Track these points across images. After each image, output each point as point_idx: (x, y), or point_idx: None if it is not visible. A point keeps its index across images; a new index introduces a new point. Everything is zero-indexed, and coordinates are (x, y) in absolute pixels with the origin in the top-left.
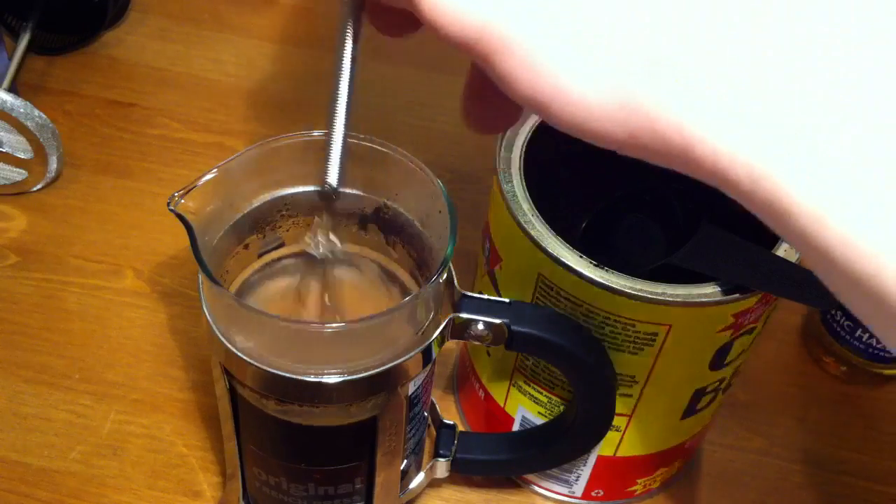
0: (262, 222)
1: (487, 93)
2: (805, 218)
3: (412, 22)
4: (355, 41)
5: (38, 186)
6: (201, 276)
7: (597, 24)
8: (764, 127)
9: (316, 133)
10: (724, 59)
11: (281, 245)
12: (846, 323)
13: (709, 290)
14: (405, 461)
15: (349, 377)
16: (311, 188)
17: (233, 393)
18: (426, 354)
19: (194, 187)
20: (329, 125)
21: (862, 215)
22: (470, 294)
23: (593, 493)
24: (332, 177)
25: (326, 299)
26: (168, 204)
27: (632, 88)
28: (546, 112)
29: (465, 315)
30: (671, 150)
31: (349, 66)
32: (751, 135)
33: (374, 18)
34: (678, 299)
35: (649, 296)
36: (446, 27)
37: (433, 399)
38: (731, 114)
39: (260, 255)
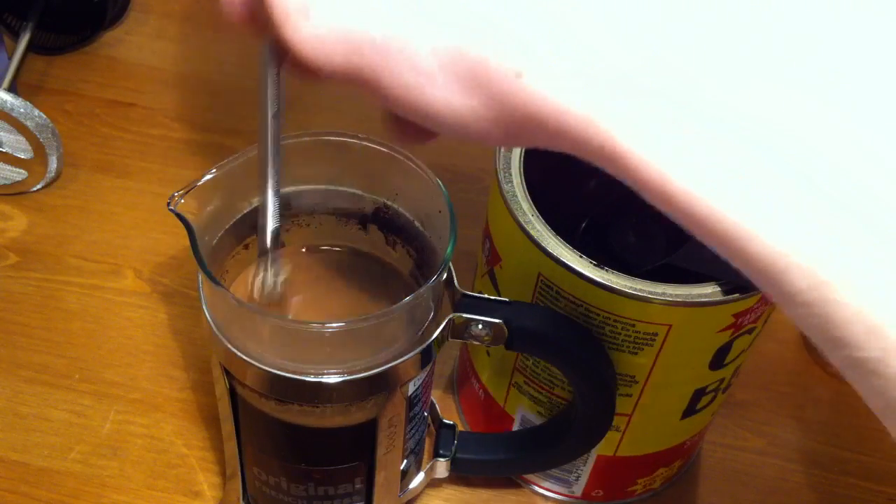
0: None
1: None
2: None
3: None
4: (277, 98)
5: (38, 186)
6: (201, 276)
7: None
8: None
9: (316, 133)
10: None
11: (281, 245)
12: None
13: (709, 290)
14: (405, 461)
15: (349, 377)
16: (310, 188)
17: (233, 393)
18: (426, 354)
19: (194, 187)
20: (261, 189)
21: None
22: (470, 294)
23: (593, 493)
24: (265, 243)
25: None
26: (168, 204)
27: (471, 62)
28: (426, 121)
29: (465, 315)
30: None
31: (273, 126)
32: (582, 87)
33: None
34: (678, 299)
35: (649, 296)
36: (317, 57)
37: (433, 399)
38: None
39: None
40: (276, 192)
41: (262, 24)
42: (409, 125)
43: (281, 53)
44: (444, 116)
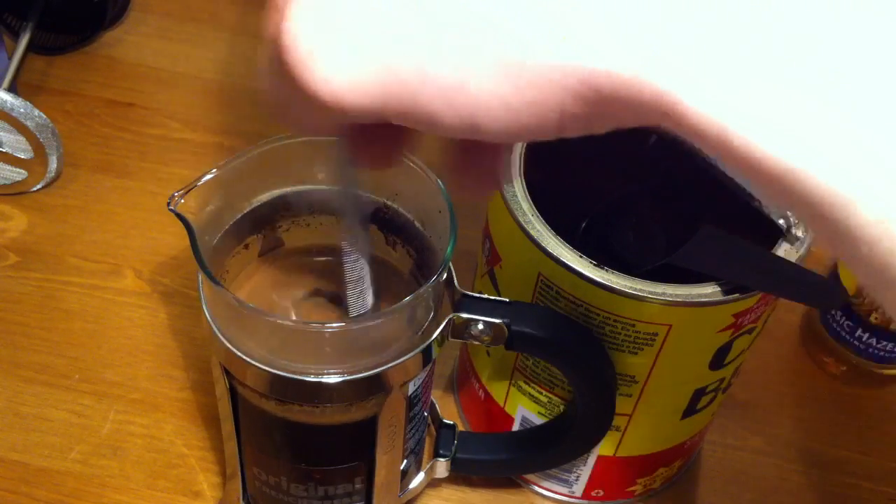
0: (262, 222)
1: (465, 156)
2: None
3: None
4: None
5: (38, 186)
6: (201, 276)
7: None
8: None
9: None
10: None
11: (281, 245)
12: (846, 323)
13: (709, 290)
14: (405, 461)
15: (349, 377)
16: (310, 188)
17: (233, 393)
18: (426, 354)
19: (194, 187)
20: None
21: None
22: (470, 294)
23: (593, 493)
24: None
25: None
26: (168, 204)
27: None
28: (479, 131)
29: (465, 315)
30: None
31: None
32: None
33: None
34: (678, 299)
35: (649, 296)
36: (349, 101)
37: (433, 399)
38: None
39: (260, 255)
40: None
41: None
42: (472, 169)
43: (349, 147)
44: (483, 118)
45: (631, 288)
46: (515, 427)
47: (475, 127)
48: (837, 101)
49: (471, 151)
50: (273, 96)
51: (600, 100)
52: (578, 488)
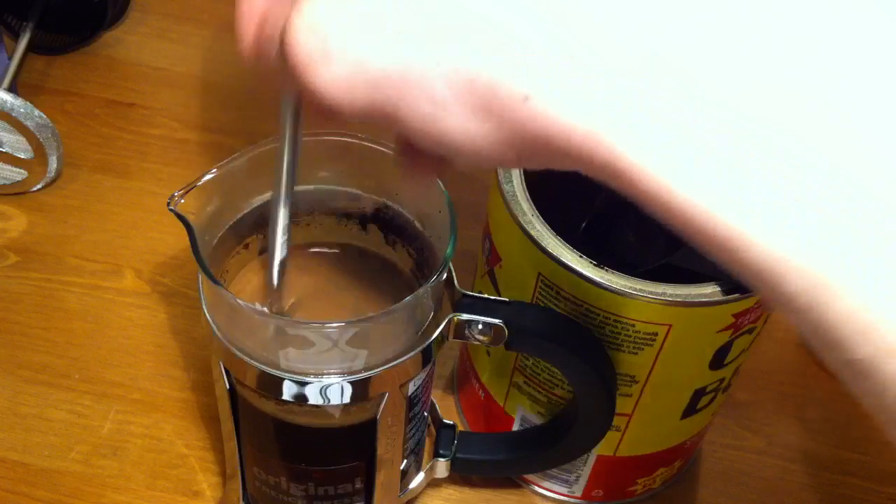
0: (262, 222)
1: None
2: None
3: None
4: (294, 147)
5: (38, 186)
6: (201, 276)
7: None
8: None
9: (316, 133)
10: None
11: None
12: None
13: (709, 290)
14: (405, 461)
15: (349, 377)
16: (310, 188)
17: (233, 393)
18: (426, 354)
19: (194, 187)
20: (270, 232)
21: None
22: (470, 294)
23: (593, 493)
24: (274, 282)
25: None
26: (168, 204)
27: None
28: (447, 153)
29: (465, 315)
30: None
31: (288, 175)
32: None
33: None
34: (678, 299)
35: (649, 296)
36: (342, 103)
37: (433, 399)
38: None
39: (260, 255)
40: (287, 228)
41: (277, 69)
42: (421, 158)
43: (300, 99)
44: (460, 143)
45: (631, 288)
46: (515, 427)
47: (443, 149)
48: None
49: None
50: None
51: (554, 152)
52: (578, 488)
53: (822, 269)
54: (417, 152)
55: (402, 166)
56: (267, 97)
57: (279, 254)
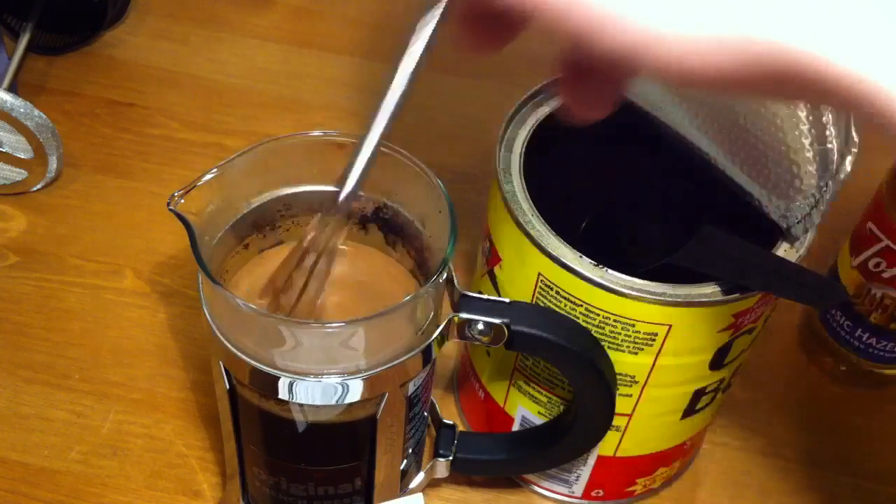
0: (262, 222)
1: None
2: None
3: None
4: (427, 50)
5: (38, 186)
6: (201, 276)
7: None
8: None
9: (316, 133)
10: None
11: (281, 244)
12: (846, 323)
13: (709, 290)
14: (405, 461)
15: (349, 377)
16: (310, 188)
17: (233, 393)
18: (426, 354)
19: (194, 187)
20: (363, 137)
21: None
22: (470, 294)
23: (593, 493)
24: (344, 194)
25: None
26: (168, 204)
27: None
28: (637, 60)
29: (465, 315)
30: (797, 75)
31: (408, 79)
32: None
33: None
34: (678, 299)
35: (649, 296)
36: None
37: (433, 399)
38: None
39: (260, 255)
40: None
41: None
42: (489, 27)
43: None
44: (667, 48)
45: (631, 288)
46: (515, 427)
47: (635, 55)
48: None
49: (590, 71)
50: None
51: (781, 75)
52: (578, 488)
53: None
54: (586, 79)
55: (568, 99)
56: (266, 98)
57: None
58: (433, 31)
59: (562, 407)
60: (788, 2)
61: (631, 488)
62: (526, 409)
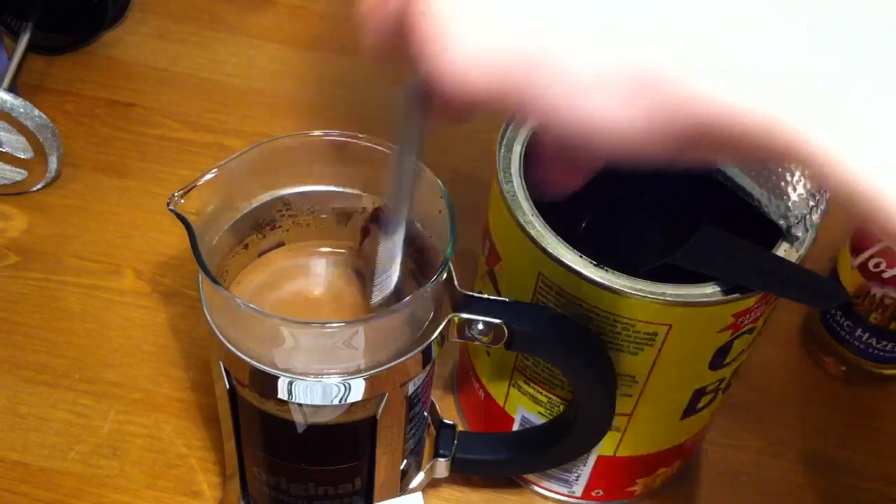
0: (262, 222)
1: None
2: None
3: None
4: (416, 140)
5: (38, 186)
6: (201, 276)
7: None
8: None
9: (316, 133)
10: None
11: (281, 245)
12: (846, 323)
13: (709, 290)
14: (405, 461)
15: (349, 377)
16: (310, 188)
17: (233, 393)
18: (426, 354)
19: (194, 187)
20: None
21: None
22: (470, 294)
23: (593, 493)
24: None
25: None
26: (168, 204)
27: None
28: (590, 141)
29: (465, 315)
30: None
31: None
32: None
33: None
34: (678, 299)
35: (649, 296)
36: (466, 83)
37: (433, 399)
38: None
39: (260, 255)
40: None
41: (404, 57)
42: (445, 105)
43: (426, 95)
44: (600, 128)
45: (631, 288)
46: (515, 427)
47: (578, 131)
48: None
49: (562, 149)
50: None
51: (717, 136)
52: (578, 488)
53: None
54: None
55: (540, 175)
56: (266, 98)
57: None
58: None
59: (562, 407)
60: (699, 66)
61: (631, 488)
62: (526, 409)
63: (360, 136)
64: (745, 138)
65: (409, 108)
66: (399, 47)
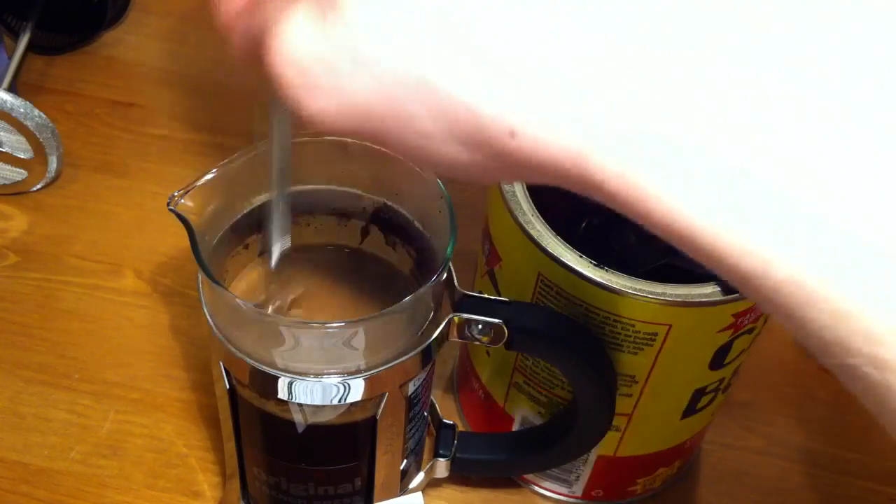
0: (262, 222)
1: None
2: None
3: None
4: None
5: (38, 186)
6: (201, 276)
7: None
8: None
9: (316, 133)
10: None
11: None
12: None
13: (709, 290)
14: (405, 461)
15: (349, 377)
16: (310, 188)
17: (233, 393)
18: (426, 354)
19: (194, 187)
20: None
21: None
22: (470, 294)
23: (593, 493)
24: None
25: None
26: (168, 204)
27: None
28: (436, 171)
29: (465, 315)
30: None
31: (280, 162)
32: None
33: None
34: (678, 299)
35: (649, 296)
36: (327, 127)
37: (433, 399)
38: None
39: (260, 255)
40: (286, 212)
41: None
42: None
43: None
44: (449, 170)
45: (631, 288)
46: (515, 427)
47: (435, 171)
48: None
49: None
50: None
51: (543, 175)
52: (578, 488)
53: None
54: None
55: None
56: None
57: (278, 244)
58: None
59: (562, 407)
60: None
61: (631, 488)
62: (526, 409)
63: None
64: (565, 177)
65: (273, 115)
66: (259, 67)
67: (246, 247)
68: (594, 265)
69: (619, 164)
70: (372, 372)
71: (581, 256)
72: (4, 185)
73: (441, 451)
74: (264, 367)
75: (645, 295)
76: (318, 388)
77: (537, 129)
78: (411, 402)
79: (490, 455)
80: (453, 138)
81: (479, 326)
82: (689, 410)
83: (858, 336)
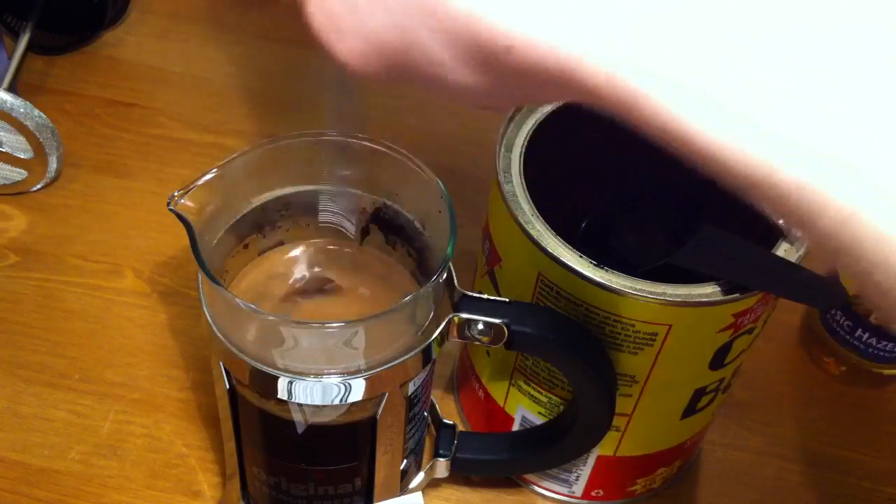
0: (262, 222)
1: None
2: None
3: None
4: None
5: (38, 186)
6: (201, 276)
7: None
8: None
9: (316, 133)
10: None
11: (281, 244)
12: (846, 323)
13: (709, 290)
14: (405, 461)
15: (349, 377)
16: (310, 188)
17: (233, 393)
18: (426, 354)
19: (194, 187)
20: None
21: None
22: (470, 294)
23: (593, 493)
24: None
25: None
26: (168, 204)
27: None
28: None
29: (465, 315)
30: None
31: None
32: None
33: None
34: (678, 299)
35: (649, 296)
36: (359, 66)
37: (433, 399)
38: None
39: (260, 255)
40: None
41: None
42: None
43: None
44: (465, 94)
45: (631, 288)
46: (515, 427)
47: (453, 97)
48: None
49: None
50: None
51: (545, 84)
52: (578, 488)
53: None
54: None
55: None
56: (266, 98)
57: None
58: None
59: (562, 407)
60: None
61: (631, 488)
62: (526, 409)
63: (360, 136)
64: (563, 83)
65: (334, 83)
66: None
67: (246, 247)
68: (594, 265)
69: (613, 65)
70: (372, 372)
71: (581, 256)
72: (4, 185)
73: (441, 451)
74: (264, 367)
75: (645, 295)
76: (318, 388)
77: (532, 37)
78: (411, 402)
79: (490, 455)
80: (460, 61)
81: (479, 326)
82: (689, 410)
83: None
